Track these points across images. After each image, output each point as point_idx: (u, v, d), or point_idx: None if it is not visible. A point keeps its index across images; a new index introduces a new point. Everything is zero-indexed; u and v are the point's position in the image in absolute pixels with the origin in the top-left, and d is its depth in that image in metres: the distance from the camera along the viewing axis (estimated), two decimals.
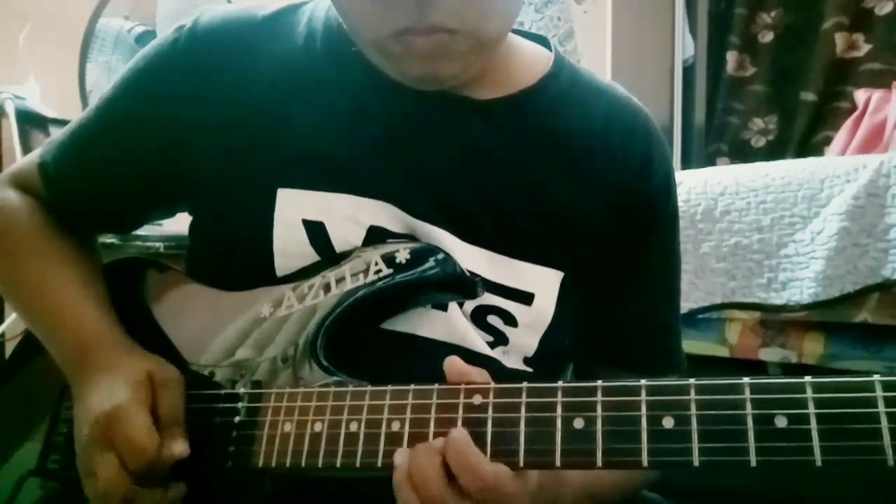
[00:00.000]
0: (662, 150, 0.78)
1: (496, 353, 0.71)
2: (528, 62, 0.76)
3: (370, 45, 0.65)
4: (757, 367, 1.48)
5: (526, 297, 0.71)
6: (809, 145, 2.43)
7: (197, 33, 0.73)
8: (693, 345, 1.54)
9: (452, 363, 0.58)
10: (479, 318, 0.71)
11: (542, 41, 0.79)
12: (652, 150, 0.76)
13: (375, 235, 0.69)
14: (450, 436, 0.54)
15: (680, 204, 1.51)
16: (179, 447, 0.62)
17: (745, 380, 0.49)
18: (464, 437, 0.53)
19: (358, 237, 0.69)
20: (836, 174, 1.37)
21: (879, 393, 0.46)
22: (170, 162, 0.74)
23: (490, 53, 0.68)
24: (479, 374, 0.57)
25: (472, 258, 0.68)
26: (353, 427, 0.59)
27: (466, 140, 0.71)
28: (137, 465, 0.61)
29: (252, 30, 0.74)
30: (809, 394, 0.47)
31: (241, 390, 0.66)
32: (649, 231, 0.76)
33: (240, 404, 0.65)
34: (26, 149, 1.65)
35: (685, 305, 1.52)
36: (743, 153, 2.58)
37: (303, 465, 0.60)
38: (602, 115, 0.75)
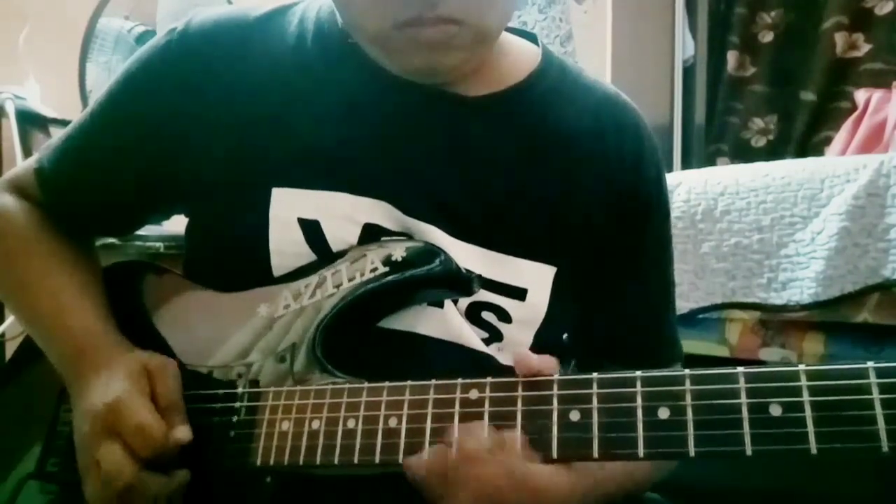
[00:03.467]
0: (652, 145, 0.78)
1: (491, 350, 0.71)
2: (518, 58, 0.76)
3: (371, 38, 0.65)
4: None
5: (519, 293, 0.71)
6: (809, 145, 2.43)
7: (189, 34, 0.73)
8: (693, 345, 1.54)
9: (522, 358, 0.57)
10: (473, 314, 0.71)
11: (530, 37, 0.80)
12: (642, 144, 0.77)
13: (370, 233, 0.69)
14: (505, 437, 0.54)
15: (680, 204, 1.52)
16: (183, 432, 0.62)
17: (740, 369, 0.50)
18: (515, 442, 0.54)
19: (353, 235, 0.69)
20: (836, 174, 1.37)
21: (873, 379, 0.46)
22: (165, 163, 0.73)
23: (490, 45, 0.69)
24: (542, 361, 0.57)
25: (464, 255, 0.69)
26: (351, 424, 0.59)
27: (458, 137, 0.71)
28: (146, 450, 0.60)
29: (244, 30, 0.74)
30: (803, 382, 0.48)
31: (240, 390, 0.66)
32: (643, 224, 0.76)
33: (238, 404, 0.65)
34: (26, 149, 1.65)
35: (685, 306, 1.52)
36: (743, 153, 2.58)
37: (301, 462, 0.60)
38: (592, 111, 0.75)
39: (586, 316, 0.78)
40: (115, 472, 0.60)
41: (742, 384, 0.49)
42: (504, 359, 0.72)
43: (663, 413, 0.51)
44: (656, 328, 0.81)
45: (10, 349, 0.84)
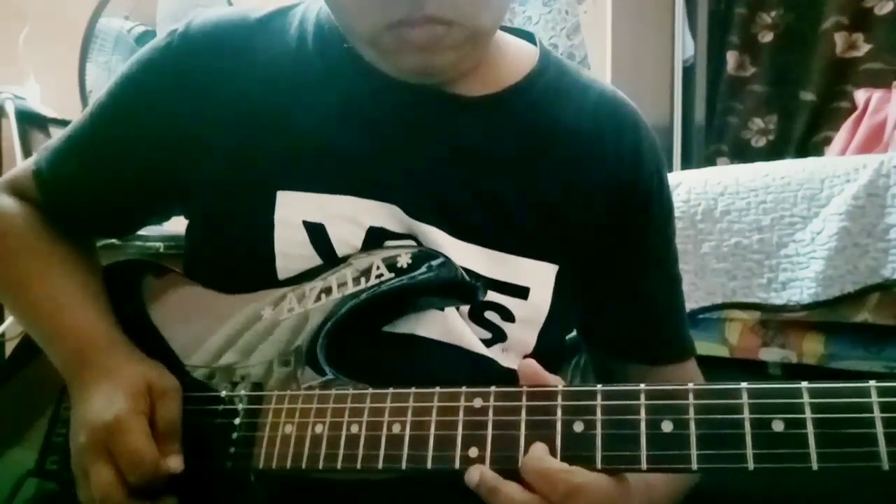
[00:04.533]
0: (651, 141, 0.78)
1: (495, 351, 0.72)
2: (516, 58, 0.76)
3: (364, 40, 0.65)
4: (757, 367, 1.48)
5: (521, 292, 0.71)
6: (809, 145, 2.42)
7: (190, 36, 0.73)
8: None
9: (527, 365, 0.57)
10: (476, 314, 0.71)
11: (528, 36, 0.80)
12: (641, 141, 0.77)
13: (374, 236, 0.69)
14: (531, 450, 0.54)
15: (680, 204, 1.52)
16: (175, 462, 0.63)
17: (743, 385, 0.50)
18: (541, 450, 0.54)
19: (358, 238, 0.69)
20: (836, 174, 1.37)
21: (875, 398, 0.46)
22: (165, 164, 0.74)
23: (483, 45, 0.68)
24: (554, 380, 0.57)
25: (466, 255, 0.69)
26: (354, 429, 0.59)
27: (457, 137, 0.71)
28: (135, 478, 0.61)
29: (245, 32, 0.74)
30: (806, 399, 0.48)
31: (242, 392, 0.66)
32: (645, 221, 0.77)
33: (240, 406, 0.65)
34: (26, 149, 1.65)
35: (686, 306, 1.52)
36: (743, 153, 2.57)
37: (303, 466, 0.60)
38: (590, 109, 0.75)
39: (592, 313, 0.79)
40: (103, 494, 0.61)
41: (745, 399, 0.49)
42: (508, 360, 0.72)
43: (667, 426, 0.51)
44: (662, 325, 0.81)
45: (11, 349, 0.84)
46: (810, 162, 1.51)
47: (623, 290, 0.78)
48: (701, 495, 0.79)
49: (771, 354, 1.46)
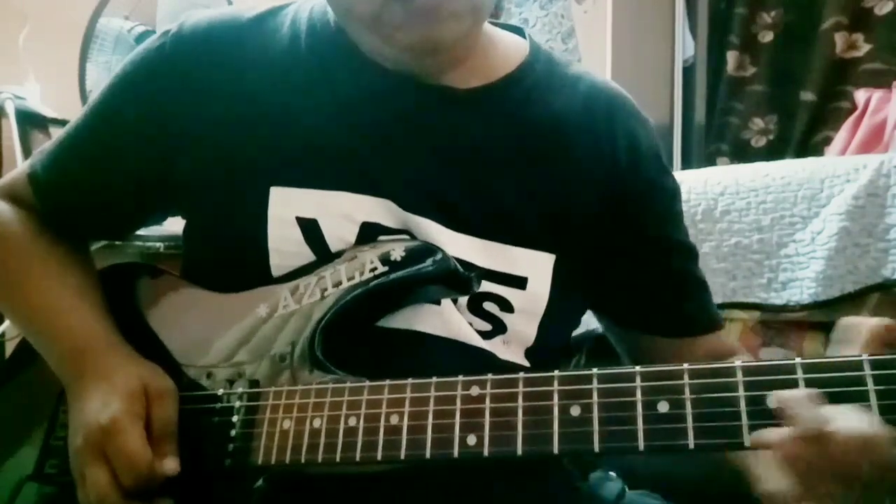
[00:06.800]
0: (647, 127, 0.79)
1: (496, 343, 0.72)
2: (507, 51, 0.77)
3: (365, 19, 0.65)
4: None
5: (519, 282, 0.71)
6: (809, 145, 2.42)
7: (183, 36, 0.74)
8: None
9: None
10: (475, 305, 0.71)
11: (517, 31, 0.80)
12: (636, 128, 0.77)
13: (368, 231, 0.69)
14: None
15: None
16: (170, 465, 0.62)
17: (738, 363, 0.50)
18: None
19: (351, 234, 0.69)
20: (836, 174, 1.37)
21: (868, 371, 0.47)
22: (160, 164, 0.74)
23: (480, 20, 0.69)
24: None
25: (463, 247, 0.69)
26: (352, 422, 0.59)
27: (451, 130, 0.71)
28: (130, 480, 0.61)
29: (238, 31, 0.74)
30: (800, 374, 0.49)
31: (240, 389, 0.66)
32: (649, 205, 0.77)
33: (238, 403, 0.65)
34: (26, 149, 1.66)
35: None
36: (743, 153, 2.57)
37: (302, 460, 0.60)
38: (582, 98, 0.76)
39: (609, 295, 0.79)
40: (98, 496, 0.61)
41: (740, 377, 0.50)
42: (509, 353, 0.72)
43: (663, 407, 0.51)
44: (685, 299, 0.80)
45: (11, 349, 0.84)
46: (810, 162, 1.52)
47: (636, 271, 0.78)
48: (701, 494, 0.79)
49: (771, 354, 1.46)
